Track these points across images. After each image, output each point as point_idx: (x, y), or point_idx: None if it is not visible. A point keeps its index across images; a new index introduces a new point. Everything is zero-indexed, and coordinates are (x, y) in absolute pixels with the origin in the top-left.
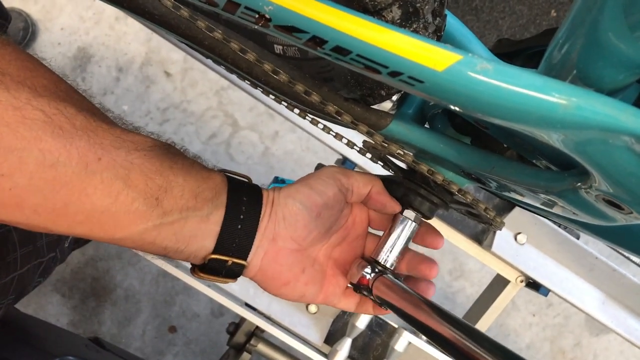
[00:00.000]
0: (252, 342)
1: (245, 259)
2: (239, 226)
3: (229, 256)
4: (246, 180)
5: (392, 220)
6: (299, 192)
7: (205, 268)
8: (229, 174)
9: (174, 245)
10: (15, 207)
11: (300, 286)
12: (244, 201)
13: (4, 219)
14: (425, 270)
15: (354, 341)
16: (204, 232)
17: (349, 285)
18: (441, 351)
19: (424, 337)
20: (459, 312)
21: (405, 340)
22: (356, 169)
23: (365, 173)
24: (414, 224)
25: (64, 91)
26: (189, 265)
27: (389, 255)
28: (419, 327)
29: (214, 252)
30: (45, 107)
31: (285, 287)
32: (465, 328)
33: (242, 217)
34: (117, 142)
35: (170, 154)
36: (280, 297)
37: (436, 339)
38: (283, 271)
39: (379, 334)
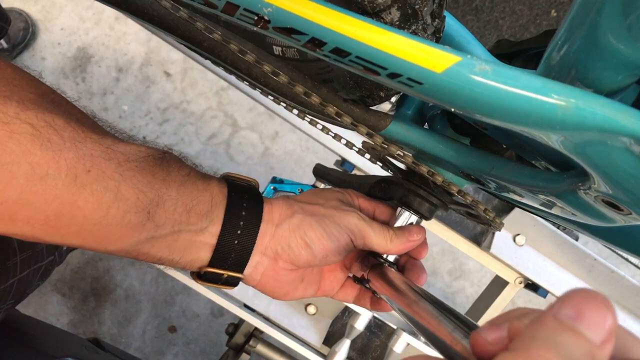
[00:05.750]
0: (251, 343)
1: (241, 272)
2: (236, 241)
3: (224, 269)
4: (249, 186)
5: (395, 218)
6: (313, 230)
7: (202, 277)
8: (232, 179)
9: (168, 256)
10: (8, 220)
11: (300, 292)
12: (242, 216)
13: None
14: (414, 252)
15: (353, 342)
16: (198, 245)
17: (350, 276)
18: (435, 349)
19: (422, 339)
20: None
21: (404, 341)
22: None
23: (385, 234)
24: (416, 220)
25: (52, 103)
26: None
27: None
28: (414, 323)
29: (209, 265)
30: (33, 121)
31: (284, 296)
32: (464, 322)
33: (239, 232)
34: (107, 154)
35: (165, 163)
36: (280, 300)
37: (429, 336)
38: (282, 286)
39: (378, 335)
